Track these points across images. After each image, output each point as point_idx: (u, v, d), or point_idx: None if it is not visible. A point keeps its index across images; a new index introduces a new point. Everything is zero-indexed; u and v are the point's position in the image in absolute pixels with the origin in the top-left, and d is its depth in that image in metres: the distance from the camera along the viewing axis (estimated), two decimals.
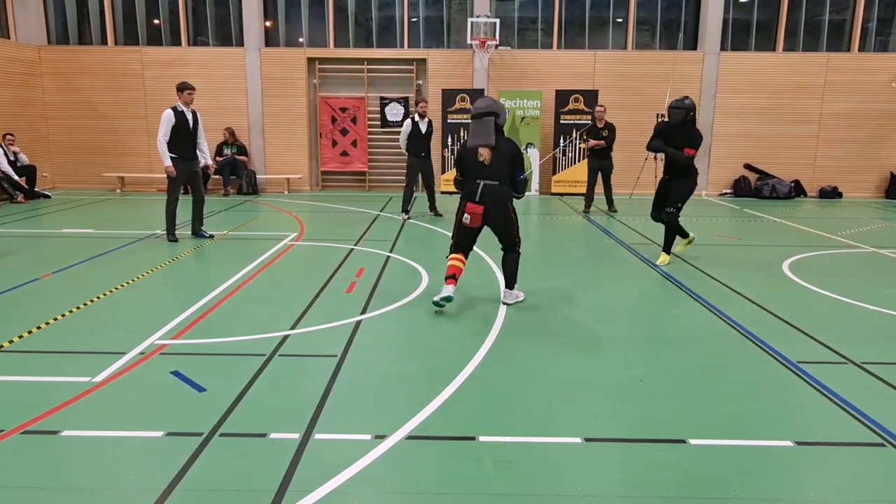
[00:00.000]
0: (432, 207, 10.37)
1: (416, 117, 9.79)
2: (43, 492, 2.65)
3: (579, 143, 13.16)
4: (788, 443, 3.11)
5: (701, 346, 4.51)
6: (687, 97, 6.76)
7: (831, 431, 3.25)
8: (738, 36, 13.82)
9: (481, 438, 3.09)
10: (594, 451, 3.03)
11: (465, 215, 5.10)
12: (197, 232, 8.26)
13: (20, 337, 4.46)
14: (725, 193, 13.81)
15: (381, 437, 3.10)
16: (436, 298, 5.04)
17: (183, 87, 7.85)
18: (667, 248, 7.05)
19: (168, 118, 7.75)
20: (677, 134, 6.73)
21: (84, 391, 3.58)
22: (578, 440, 3.12)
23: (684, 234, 7.25)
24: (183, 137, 7.85)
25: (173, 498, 2.60)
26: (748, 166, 13.75)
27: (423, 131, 9.82)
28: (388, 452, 2.98)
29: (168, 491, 2.64)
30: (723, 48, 13.54)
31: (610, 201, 11.18)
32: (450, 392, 3.63)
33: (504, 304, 5.35)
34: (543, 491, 2.69)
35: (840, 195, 13.64)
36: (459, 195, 5.25)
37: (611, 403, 3.55)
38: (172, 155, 7.80)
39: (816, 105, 13.50)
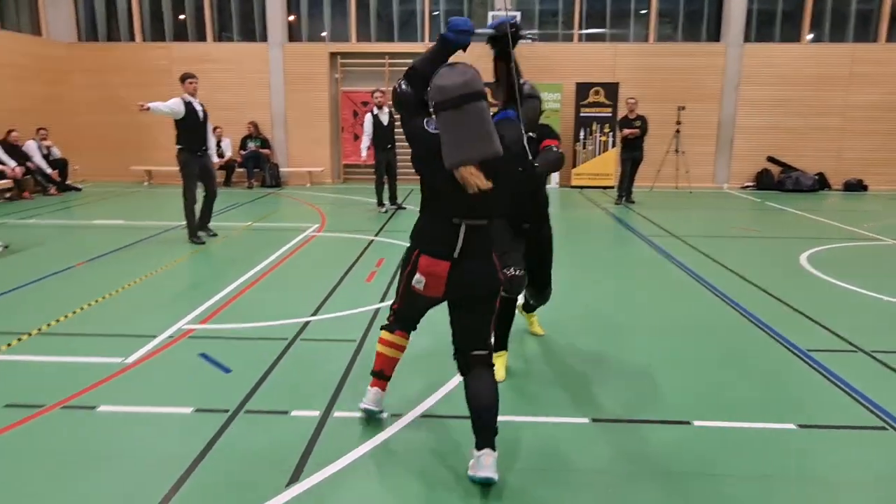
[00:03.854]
0: (393, 199, 10.38)
1: (375, 109, 9.64)
2: (84, 459, 2.85)
3: (600, 136, 13.18)
4: (791, 425, 3.20)
5: (711, 334, 4.59)
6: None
7: (835, 415, 3.33)
8: (762, 27, 13.68)
9: None
10: (601, 431, 3.15)
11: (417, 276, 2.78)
12: (203, 228, 7.82)
13: (57, 321, 4.70)
14: (747, 186, 13.72)
15: (396, 416, 3.25)
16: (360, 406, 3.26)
17: (185, 77, 7.46)
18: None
19: (176, 105, 7.28)
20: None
21: (117, 371, 3.80)
22: (586, 420, 3.24)
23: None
24: (192, 129, 7.43)
25: (202, 467, 2.78)
26: (771, 159, 13.63)
27: (385, 123, 9.73)
28: (403, 429, 3.14)
29: (197, 460, 2.82)
30: (746, 39, 13.42)
31: (629, 192, 11.23)
32: None
33: (483, 480, 2.66)
34: (550, 466, 2.82)
35: (865, 188, 13.46)
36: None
37: (619, 387, 3.65)
38: (180, 146, 7.40)
39: (842, 97, 13.32)
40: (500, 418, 2.71)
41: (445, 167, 2.52)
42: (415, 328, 3.23)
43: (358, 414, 3.26)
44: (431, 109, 2.59)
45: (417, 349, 4.17)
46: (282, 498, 2.56)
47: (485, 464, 2.61)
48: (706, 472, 2.79)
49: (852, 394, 3.56)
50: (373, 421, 3.19)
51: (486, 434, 2.66)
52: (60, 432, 3.09)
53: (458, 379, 3.67)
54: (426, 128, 2.64)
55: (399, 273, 2.98)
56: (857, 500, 2.66)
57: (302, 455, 2.88)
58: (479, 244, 2.71)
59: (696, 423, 3.22)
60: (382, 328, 3.20)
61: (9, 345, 4.20)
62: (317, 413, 3.28)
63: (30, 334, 4.40)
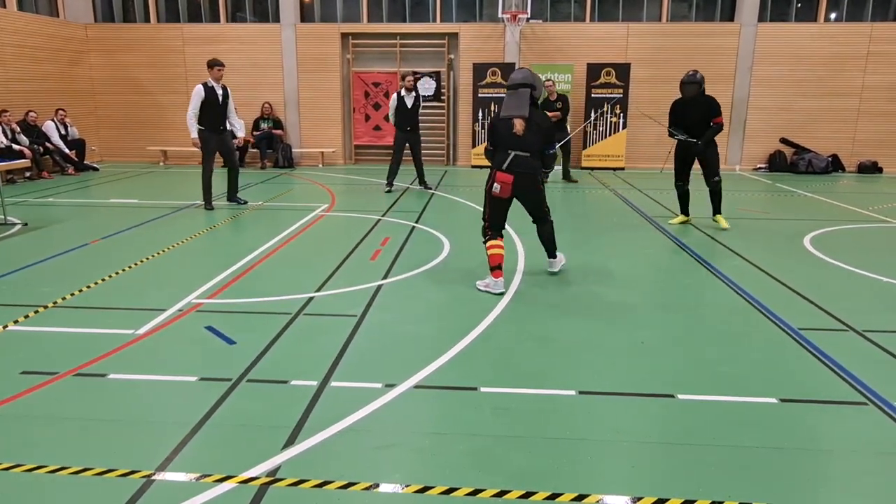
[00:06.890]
0: (421, 181, 10.48)
1: (403, 91, 9.77)
2: (93, 423, 3.03)
3: (611, 117, 13.15)
4: (773, 399, 3.29)
5: (707, 313, 4.67)
6: (697, 71, 7.48)
7: (817, 391, 3.41)
8: (777, 6, 13.48)
9: (482, 389, 3.36)
10: (587, 403, 3.27)
11: (495, 184, 5.07)
12: (232, 199, 8.92)
13: (72, 294, 4.89)
14: (760, 168, 13.62)
15: (390, 386, 3.39)
16: (494, 292, 4.99)
17: (213, 64, 8.33)
18: (719, 209, 7.67)
19: (198, 93, 8.25)
20: (695, 107, 7.34)
21: (128, 342, 3.97)
22: (573, 393, 3.36)
23: (687, 211, 7.86)
24: (212, 111, 8.33)
25: (204, 430, 2.94)
26: (784, 140, 13.51)
27: (409, 105, 9.82)
28: (396, 399, 3.27)
29: (199, 425, 2.98)
30: (761, 19, 13.25)
31: (567, 172, 11.42)
32: (458, 349, 3.90)
33: (552, 273, 5.49)
34: (535, 434, 2.95)
35: (880, 170, 13.31)
36: (489, 166, 5.22)
37: (609, 363, 3.76)
38: (201, 127, 8.31)
39: (858, 77, 13.13)
40: (490, 390, 3.20)
41: (501, 116, 5.13)
42: (501, 234, 5.22)
43: (353, 384, 3.41)
44: (506, 88, 5.29)
45: (418, 332, 4.32)
46: (276, 459, 2.71)
47: (556, 264, 5.55)
48: (684, 441, 2.89)
49: (838, 371, 3.63)
50: (368, 390, 3.33)
51: (550, 250, 5.52)
52: (71, 398, 3.27)
53: (449, 355, 3.81)
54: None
55: (484, 197, 5.25)
56: (831, 471, 2.75)
57: (298, 421, 3.03)
58: (525, 166, 5.06)
59: (680, 396, 3.32)
60: (486, 241, 5.18)
61: (26, 316, 4.40)
62: (315, 383, 3.43)
63: (45, 307, 4.59)
